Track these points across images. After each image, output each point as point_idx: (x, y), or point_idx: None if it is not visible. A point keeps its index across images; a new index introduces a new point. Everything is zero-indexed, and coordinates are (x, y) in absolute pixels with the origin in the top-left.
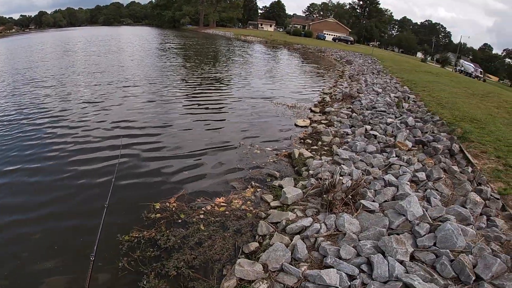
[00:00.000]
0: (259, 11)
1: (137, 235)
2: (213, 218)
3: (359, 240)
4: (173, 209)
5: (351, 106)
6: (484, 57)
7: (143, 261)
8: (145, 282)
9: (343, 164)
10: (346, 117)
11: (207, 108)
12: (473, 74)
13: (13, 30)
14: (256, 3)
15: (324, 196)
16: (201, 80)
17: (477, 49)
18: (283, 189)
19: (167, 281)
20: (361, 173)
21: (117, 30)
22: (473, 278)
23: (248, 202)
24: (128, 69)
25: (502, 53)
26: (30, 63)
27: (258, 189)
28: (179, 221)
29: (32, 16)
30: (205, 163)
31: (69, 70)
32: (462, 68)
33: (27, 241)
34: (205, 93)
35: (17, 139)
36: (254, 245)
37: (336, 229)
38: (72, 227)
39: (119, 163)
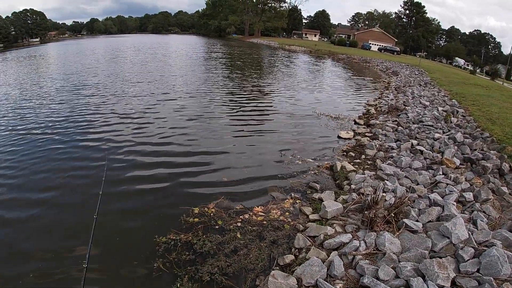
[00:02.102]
0: (304, 20)
1: (174, 237)
2: (250, 227)
3: (399, 261)
4: (211, 214)
5: (397, 119)
6: None
7: (178, 263)
8: (178, 285)
9: (387, 180)
10: (391, 130)
11: (250, 118)
12: None
13: (66, 35)
14: (300, 12)
15: (366, 212)
16: (245, 89)
17: None
18: (323, 203)
19: (200, 286)
20: (405, 190)
21: (165, 38)
22: None
23: (287, 213)
24: (174, 78)
25: None
26: (80, 68)
27: (297, 201)
28: (216, 227)
29: (84, 22)
30: (246, 171)
31: (116, 78)
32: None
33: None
34: (249, 102)
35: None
36: (289, 258)
37: (376, 247)
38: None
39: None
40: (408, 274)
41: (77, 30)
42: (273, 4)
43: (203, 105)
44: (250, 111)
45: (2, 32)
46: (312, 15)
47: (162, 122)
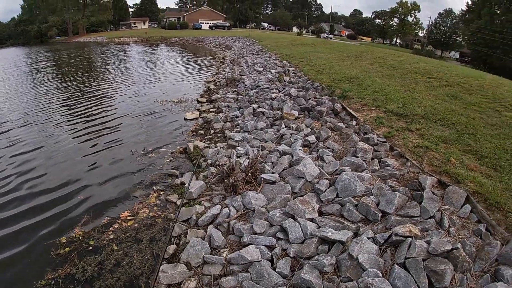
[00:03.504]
0: (130, 9)
1: (52, 276)
2: (123, 235)
3: (269, 212)
4: (80, 238)
5: (236, 89)
6: (355, 21)
7: None
8: None
9: (238, 146)
10: (233, 101)
11: (92, 125)
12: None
13: None
14: (125, 2)
15: (226, 180)
16: (84, 97)
17: (348, 15)
18: (186, 185)
19: None
20: (256, 150)
21: None
22: (380, 214)
23: (155, 208)
24: None
25: (371, 15)
26: None
27: (161, 192)
28: (90, 248)
29: None
30: (101, 181)
31: None
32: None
33: None
34: (91, 111)
35: None
36: (172, 248)
37: (245, 208)
38: None
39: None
40: (280, 219)
41: None
42: None
43: (40, 129)
44: (94, 119)
45: None
46: (138, 2)
47: None
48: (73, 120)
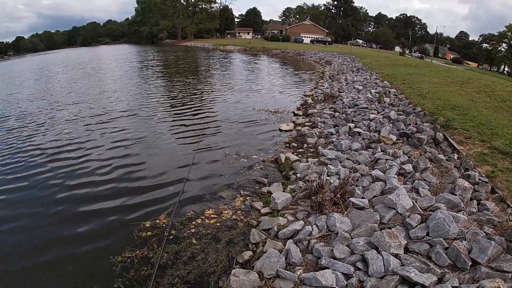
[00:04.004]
0: (236, 19)
1: (129, 255)
2: (204, 231)
3: (352, 238)
4: (164, 226)
5: (333, 106)
6: (461, 44)
7: (137, 280)
8: None
9: (330, 164)
10: (329, 117)
11: (192, 123)
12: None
13: None
14: (232, 11)
15: (313, 198)
16: (186, 97)
17: (454, 37)
18: (272, 195)
19: None
20: (348, 172)
21: (95, 50)
22: (470, 263)
23: (238, 212)
24: (108, 95)
25: (478, 39)
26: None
27: (247, 198)
28: (171, 237)
29: (10, 42)
30: (192, 177)
31: (43, 103)
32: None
33: None
34: (191, 109)
35: None
36: (248, 254)
37: (328, 229)
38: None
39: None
40: (362, 248)
41: (3, 51)
42: (203, 6)
43: (143, 122)
44: (195, 120)
45: None
46: (244, 13)
47: (101, 151)
48: (175, 118)
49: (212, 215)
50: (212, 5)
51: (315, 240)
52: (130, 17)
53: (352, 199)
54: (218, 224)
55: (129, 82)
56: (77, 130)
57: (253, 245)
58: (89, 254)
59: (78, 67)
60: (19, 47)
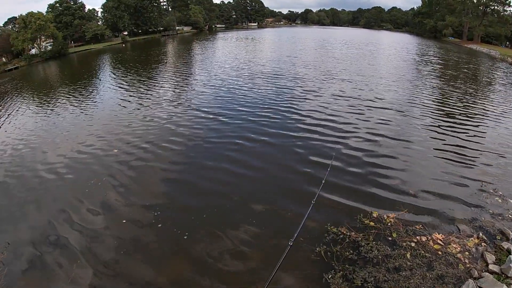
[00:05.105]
0: None
1: (344, 232)
2: (423, 252)
3: None
4: (389, 224)
5: None
6: None
7: (338, 257)
8: (329, 277)
9: None
10: None
11: (461, 141)
12: None
13: (282, 22)
14: None
15: None
16: (461, 105)
17: None
18: (510, 256)
19: (349, 286)
20: None
21: (376, 34)
22: None
23: (466, 253)
24: (380, 80)
25: None
26: (293, 52)
27: (482, 243)
28: (389, 238)
29: (299, 12)
30: (436, 193)
31: (314, 72)
32: None
33: None
34: (463, 123)
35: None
36: None
37: None
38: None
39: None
40: None
41: (292, 19)
42: (496, 7)
43: (407, 122)
44: (467, 140)
45: (224, 15)
46: None
47: (356, 138)
48: (444, 131)
49: (439, 241)
50: (505, 8)
51: None
52: (415, 7)
53: None
54: (439, 253)
55: (404, 74)
56: (340, 108)
57: None
58: (313, 217)
59: (356, 46)
60: (307, 18)
